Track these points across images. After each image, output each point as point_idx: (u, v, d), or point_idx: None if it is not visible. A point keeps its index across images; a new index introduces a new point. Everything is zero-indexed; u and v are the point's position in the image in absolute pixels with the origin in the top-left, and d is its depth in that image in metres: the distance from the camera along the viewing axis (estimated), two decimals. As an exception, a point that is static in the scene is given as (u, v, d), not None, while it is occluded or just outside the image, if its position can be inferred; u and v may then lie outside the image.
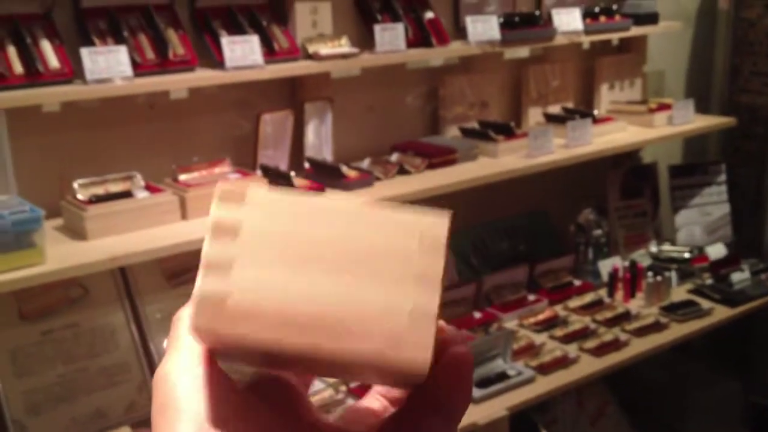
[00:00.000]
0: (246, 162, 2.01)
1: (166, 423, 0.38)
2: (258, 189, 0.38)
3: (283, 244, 0.38)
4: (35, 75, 1.65)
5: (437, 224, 0.38)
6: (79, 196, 1.71)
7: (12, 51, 1.66)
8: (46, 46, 1.70)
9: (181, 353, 0.40)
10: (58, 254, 1.59)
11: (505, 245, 2.61)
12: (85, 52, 1.67)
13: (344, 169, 2.04)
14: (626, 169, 2.83)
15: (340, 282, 0.38)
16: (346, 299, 0.37)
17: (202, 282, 0.37)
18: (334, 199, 0.39)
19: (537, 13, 2.44)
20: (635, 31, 2.64)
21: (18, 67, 1.65)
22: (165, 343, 0.42)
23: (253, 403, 0.40)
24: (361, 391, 1.85)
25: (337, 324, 0.37)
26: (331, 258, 0.38)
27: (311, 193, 0.39)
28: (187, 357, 0.39)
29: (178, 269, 1.93)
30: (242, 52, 1.87)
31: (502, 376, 2.05)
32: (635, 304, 2.49)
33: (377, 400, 0.45)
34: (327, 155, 2.15)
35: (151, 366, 1.87)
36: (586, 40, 2.56)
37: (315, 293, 0.37)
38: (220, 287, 0.37)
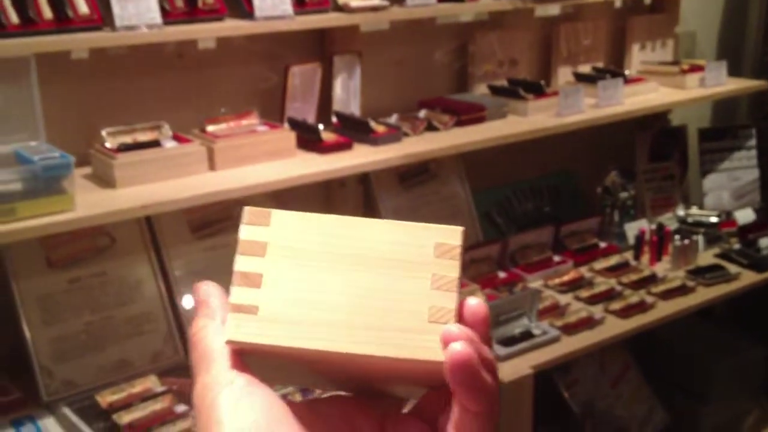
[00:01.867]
0: (273, 114, 1.99)
1: None
2: (281, 212, 0.43)
3: (307, 259, 0.42)
4: (65, 20, 1.63)
5: (451, 234, 0.42)
6: (108, 145, 1.70)
7: (41, -5, 1.64)
8: (76, -9, 1.67)
9: (216, 369, 0.41)
10: (87, 202, 1.58)
11: (531, 205, 2.59)
12: (114, -3, 1.64)
13: (372, 123, 2.02)
14: (655, 132, 2.79)
15: (362, 290, 0.41)
16: (368, 306, 0.41)
17: (234, 296, 0.41)
18: (350, 218, 0.43)
19: (570, -31, 2.39)
20: (669, -11, 2.59)
21: (47, 12, 1.63)
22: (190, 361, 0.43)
23: (301, 414, 0.41)
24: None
25: (361, 329, 0.41)
26: (352, 268, 0.41)
27: (331, 215, 0.43)
28: (220, 372, 0.41)
29: (204, 221, 1.93)
30: (272, 1, 1.84)
31: (527, 335, 2.04)
32: (661, 268, 2.46)
33: None
34: (355, 109, 2.13)
35: (177, 316, 1.87)
36: (618, -2, 2.51)
37: (339, 302, 0.41)
38: (251, 300, 0.41)
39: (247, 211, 0.42)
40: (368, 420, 0.44)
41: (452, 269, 0.41)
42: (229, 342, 0.41)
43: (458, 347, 0.39)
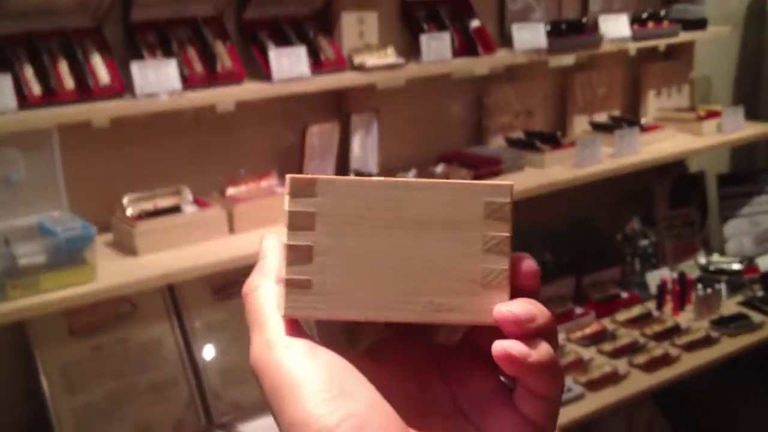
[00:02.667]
0: (292, 174, 1.99)
1: (286, 405, 0.38)
2: (327, 178, 0.41)
3: (357, 226, 0.41)
4: (86, 90, 1.65)
5: (500, 191, 0.41)
6: (129, 212, 1.71)
7: (63, 66, 1.65)
8: (97, 61, 1.69)
9: (271, 332, 0.41)
10: (109, 271, 1.58)
11: (550, 256, 2.57)
12: (135, 66, 1.66)
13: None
14: (673, 178, 2.78)
15: (414, 255, 0.41)
16: (421, 271, 0.41)
17: (287, 271, 0.40)
18: (397, 179, 0.41)
19: (583, 20, 2.40)
20: (683, 36, 2.59)
21: (69, 83, 1.65)
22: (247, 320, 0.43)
23: (368, 366, 0.41)
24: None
25: (415, 296, 0.41)
26: (402, 232, 0.41)
27: (377, 178, 0.42)
28: (277, 334, 0.41)
29: (225, 282, 1.92)
30: (289, 63, 1.86)
31: (552, 393, 2.01)
32: (685, 318, 2.44)
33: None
34: (372, 167, 2.13)
35: (198, 380, 1.86)
36: (633, 47, 2.51)
37: (391, 269, 0.40)
38: (304, 274, 0.40)
39: (291, 180, 0.41)
40: (427, 361, 0.44)
41: (503, 228, 0.41)
42: (284, 317, 0.41)
43: (505, 345, 0.39)
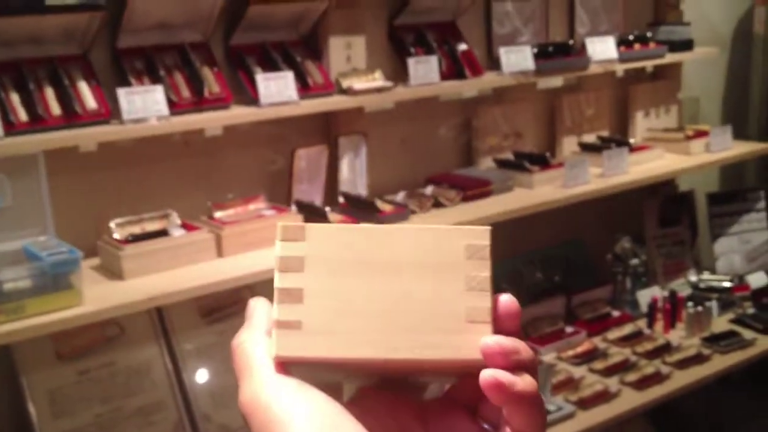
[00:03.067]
0: (281, 197, 2.01)
1: None
2: (315, 225, 0.44)
3: (344, 270, 0.43)
4: (73, 116, 1.66)
5: (479, 234, 0.44)
6: (116, 236, 1.71)
7: (50, 92, 1.67)
8: (84, 87, 1.71)
9: (262, 374, 0.42)
10: (95, 295, 1.58)
11: (541, 276, 2.58)
12: (122, 92, 1.67)
13: (379, 203, 2.03)
14: (663, 198, 2.79)
15: (400, 296, 0.43)
16: (407, 311, 0.42)
17: (278, 313, 0.42)
18: (382, 226, 0.44)
19: (570, 42, 2.42)
20: (670, 57, 2.61)
21: (56, 109, 1.66)
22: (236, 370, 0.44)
23: (354, 412, 0.42)
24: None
25: (402, 334, 0.42)
26: (388, 276, 0.43)
27: (362, 224, 0.45)
28: (268, 375, 0.42)
29: (213, 306, 1.93)
30: (277, 88, 1.87)
31: (542, 412, 2.01)
32: (676, 335, 2.44)
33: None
34: (361, 189, 2.14)
35: (187, 404, 1.86)
36: (620, 68, 2.53)
37: (379, 309, 0.42)
38: (294, 316, 0.42)
39: (282, 227, 0.43)
40: (410, 411, 0.45)
41: (483, 268, 0.43)
42: (276, 357, 0.42)
43: (493, 373, 0.41)
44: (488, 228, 0.44)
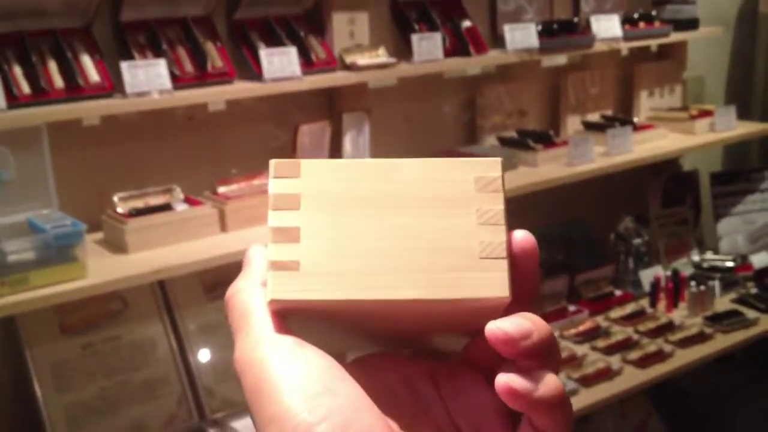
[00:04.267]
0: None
1: (267, 402, 0.36)
2: (311, 161, 0.40)
3: (344, 207, 0.39)
4: (75, 89, 1.66)
5: (489, 165, 0.40)
6: (119, 210, 1.71)
7: (53, 65, 1.67)
8: (86, 60, 1.70)
9: (257, 330, 0.38)
10: (99, 268, 1.58)
11: (544, 255, 2.58)
12: (124, 65, 1.67)
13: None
14: (666, 177, 2.79)
15: (406, 232, 0.39)
16: (414, 248, 0.38)
17: (273, 253, 0.38)
18: (383, 160, 0.40)
19: (575, 20, 2.41)
20: (675, 37, 2.60)
21: (59, 82, 1.66)
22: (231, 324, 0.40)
23: (358, 373, 0.38)
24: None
25: (411, 273, 0.38)
26: (392, 211, 0.39)
27: (362, 159, 0.41)
28: (264, 332, 0.38)
29: (217, 281, 1.93)
30: (280, 63, 1.87)
31: (544, 389, 2.02)
32: (678, 315, 2.44)
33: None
34: (365, 166, 2.13)
35: (191, 379, 1.87)
36: (625, 47, 2.52)
37: (384, 247, 0.38)
38: (291, 256, 0.38)
39: (275, 163, 0.39)
40: (420, 374, 0.41)
41: (496, 201, 0.39)
42: (271, 302, 0.38)
43: (507, 380, 0.36)
44: (499, 159, 0.40)
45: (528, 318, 0.37)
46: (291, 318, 0.39)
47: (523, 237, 0.40)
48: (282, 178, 0.39)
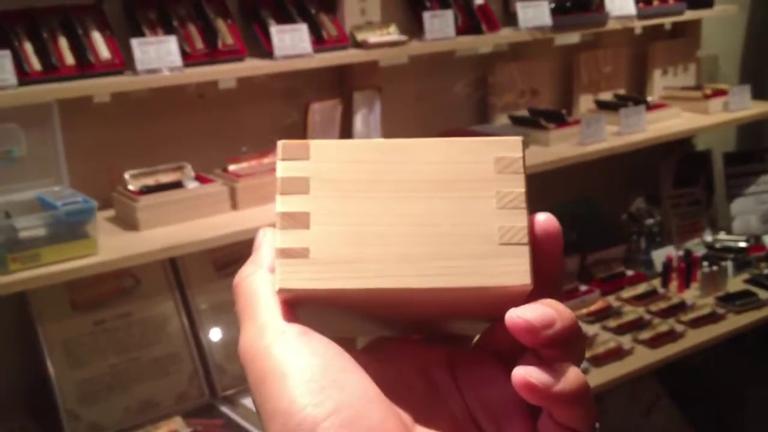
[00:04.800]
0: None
1: (270, 395, 0.35)
2: (321, 141, 0.37)
3: (357, 190, 0.37)
4: (86, 66, 1.65)
5: (510, 145, 0.37)
6: (130, 187, 1.71)
7: (63, 42, 1.66)
8: (97, 37, 1.69)
9: (264, 317, 0.37)
10: (111, 245, 1.59)
11: (556, 235, 2.57)
12: (135, 42, 1.66)
13: (393, 158, 2.02)
14: (679, 157, 2.77)
15: (422, 217, 0.37)
16: (431, 234, 0.36)
17: (281, 240, 0.36)
18: (396, 140, 0.38)
19: (588, -3, 2.38)
20: (689, 15, 2.58)
21: (69, 58, 1.65)
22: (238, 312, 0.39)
23: (370, 362, 0.37)
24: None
25: (427, 260, 0.36)
26: (407, 194, 0.37)
27: (374, 139, 0.39)
28: (270, 320, 0.37)
29: (228, 259, 1.93)
30: (291, 40, 1.86)
31: (555, 368, 2.01)
32: (690, 295, 2.43)
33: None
34: (376, 144, 2.13)
35: (202, 356, 1.87)
36: (638, 25, 2.50)
37: (399, 233, 0.36)
38: (300, 243, 0.36)
39: (283, 144, 0.38)
40: (436, 362, 0.40)
41: (517, 184, 0.37)
42: (280, 291, 0.36)
43: (524, 373, 0.34)
44: (520, 138, 0.37)
45: (551, 305, 0.35)
46: (299, 305, 0.38)
47: (546, 220, 0.38)
48: (290, 160, 0.37)
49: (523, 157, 0.37)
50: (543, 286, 0.37)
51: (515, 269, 0.36)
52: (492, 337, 0.39)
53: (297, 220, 0.37)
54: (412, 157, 0.37)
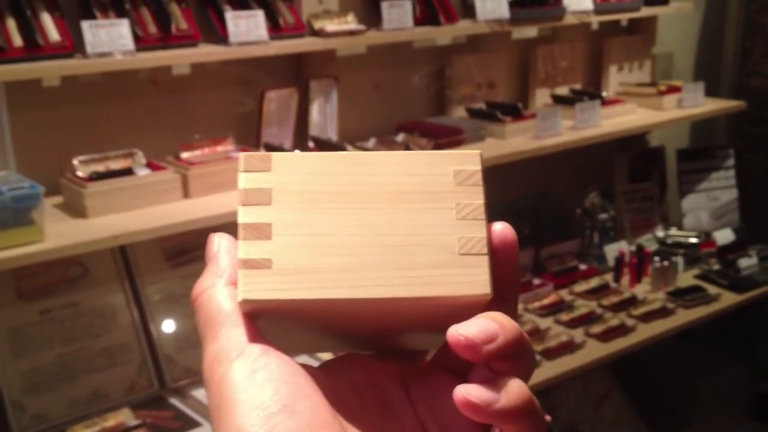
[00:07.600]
0: (249, 139, 1.97)
1: (225, 418, 0.35)
2: (283, 153, 0.38)
3: (318, 201, 0.37)
4: (35, 48, 1.61)
5: (469, 159, 0.39)
6: (79, 173, 1.68)
7: (11, 23, 1.61)
8: (47, 19, 1.65)
9: (226, 337, 0.36)
10: (58, 232, 1.55)
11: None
12: (86, 25, 1.62)
13: (350, 149, 2.00)
14: (633, 153, 2.80)
15: (383, 228, 0.37)
16: (392, 244, 0.37)
17: (243, 251, 0.37)
18: (357, 152, 0.39)
19: (546, -9, 2.39)
20: (645, 11, 2.60)
21: (18, 40, 1.61)
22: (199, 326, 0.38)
23: (325, 379, 0.37)
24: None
25: (389, 270, 0.37)
26: (368, 206, 0.38)
27: (336, 152, 0.39)
28: (231, 339, 0.36)
29: (179, 249, 1.90)
30: (247, 27, 1.83)
31: (508, 361, 2.02)
32: (641, 290, 2.46)
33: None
34: (332, 134, 2.11)
35: (152, 347, 1.84)
36: (595, 21, 2.51)
37: (361, 244, 0.37)
38: (263, 254, 0.37)
39: (245, 156, 0.38)
40: (390, 378, 0.40)
41: (476, 196, 0.38)
42: (243, 302, 0.36)
43: (464, 392, 0.34)
44: (478, 152, 0.39)
45: (494, 319, 0.35)
46: (261, 318, 0.38)
47: (502, 229, 0.38)
48: (252, 172, 0.38)
49: (482, 170, 0.39)
50: (501, 295, 0.38)
51: (475, 279, 0.37)
52: (445, 351, 0.40)
53: (259, 231, 0.37)
54: (374, 169, 0.38)
